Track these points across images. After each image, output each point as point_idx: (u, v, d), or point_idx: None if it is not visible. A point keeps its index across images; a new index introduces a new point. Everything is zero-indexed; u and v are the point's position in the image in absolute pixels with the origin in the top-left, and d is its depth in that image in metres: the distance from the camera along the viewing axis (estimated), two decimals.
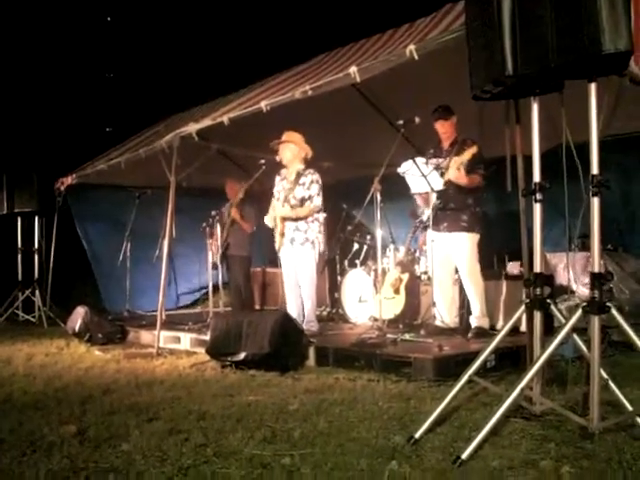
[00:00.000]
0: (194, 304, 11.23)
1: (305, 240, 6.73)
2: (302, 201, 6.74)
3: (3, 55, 15.05)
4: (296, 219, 6.76)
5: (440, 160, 6.30)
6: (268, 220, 6.98)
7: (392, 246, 7.78)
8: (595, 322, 3.22)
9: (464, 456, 3.00)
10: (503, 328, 3.71)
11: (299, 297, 6.88)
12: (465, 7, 3.63)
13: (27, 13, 15.72)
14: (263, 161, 7.04)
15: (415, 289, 7.34)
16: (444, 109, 6.31)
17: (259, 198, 8.62)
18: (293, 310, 6.79)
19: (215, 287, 8.62)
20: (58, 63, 15.89)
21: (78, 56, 16.28)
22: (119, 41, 16.84)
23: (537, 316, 3.68)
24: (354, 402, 4.25)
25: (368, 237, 8.36)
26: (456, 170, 6.02)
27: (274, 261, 7.92)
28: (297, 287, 6.89)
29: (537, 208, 3.64)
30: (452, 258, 6.39)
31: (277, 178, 7.06)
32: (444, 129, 6.36)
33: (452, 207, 6.29)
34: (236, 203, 8.38)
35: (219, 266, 8.40)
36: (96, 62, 17.04)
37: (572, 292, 6.27)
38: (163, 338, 7.12)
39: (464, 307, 6.56)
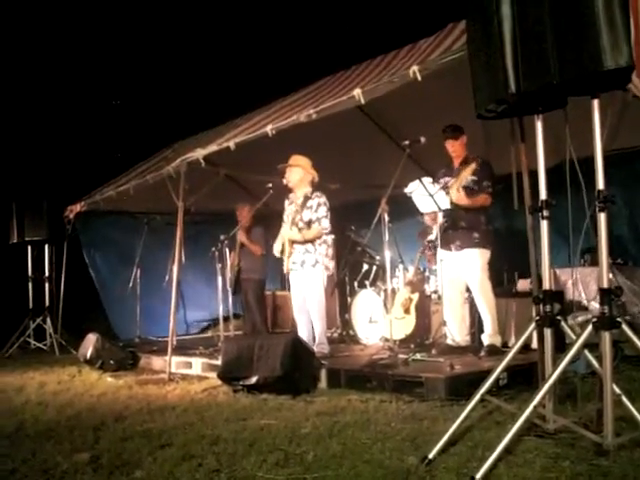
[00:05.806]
0: (206, 329, 11.20)
1: (315, 262, 6.71)
2: (309, 224, 6.72)
3: (14, 85, 15.24)
4: (304, 242, 6.75)
5: (447, 179, 6.32)
6: (276, 249, 6.96)
7: (401, 266, 7.78)
8: (606, 337, 3.20)
9: (478, 476, 2.97)
10: (514, 345, 3.69)
11: (309, 319, 6.86)
12: (466, 26, 3.64)
13: (35, 41, 15.95)
14: (270, 185, 7.05)
15: (425, 308, 7.32)
16: (453, 128, 6.30)
17: (268, 221, 8.65)
18: (303, 333, 6.77)
19: (226, 311, 8.61)
20: (67, 91, 16.09)
21: (87, 83, 16.48)
22: (126, 68, 17.02)
23: (548, 333, 3.66)
24: (367, 424, 4.23)
25: (377, 258, 8.35)
26: (455, 192, 6.02)
27: (284, 284, 7.89)
28: (306, 309, 6.86)
29: (544, 225, 3.63)
30: (463, 276, 6.38)
31: (286, 202, 7.08)
32: (453, 148, 6.37)
33: (463, 225, 6.27)
34: (243, 226, 8.41)
35: (230, 290, 8.42)
36: (104, 89, 17.23)
37: (583, 308, 6.22)
38: (175, 363, 7.12)
39: (475, 325, 6.53)
